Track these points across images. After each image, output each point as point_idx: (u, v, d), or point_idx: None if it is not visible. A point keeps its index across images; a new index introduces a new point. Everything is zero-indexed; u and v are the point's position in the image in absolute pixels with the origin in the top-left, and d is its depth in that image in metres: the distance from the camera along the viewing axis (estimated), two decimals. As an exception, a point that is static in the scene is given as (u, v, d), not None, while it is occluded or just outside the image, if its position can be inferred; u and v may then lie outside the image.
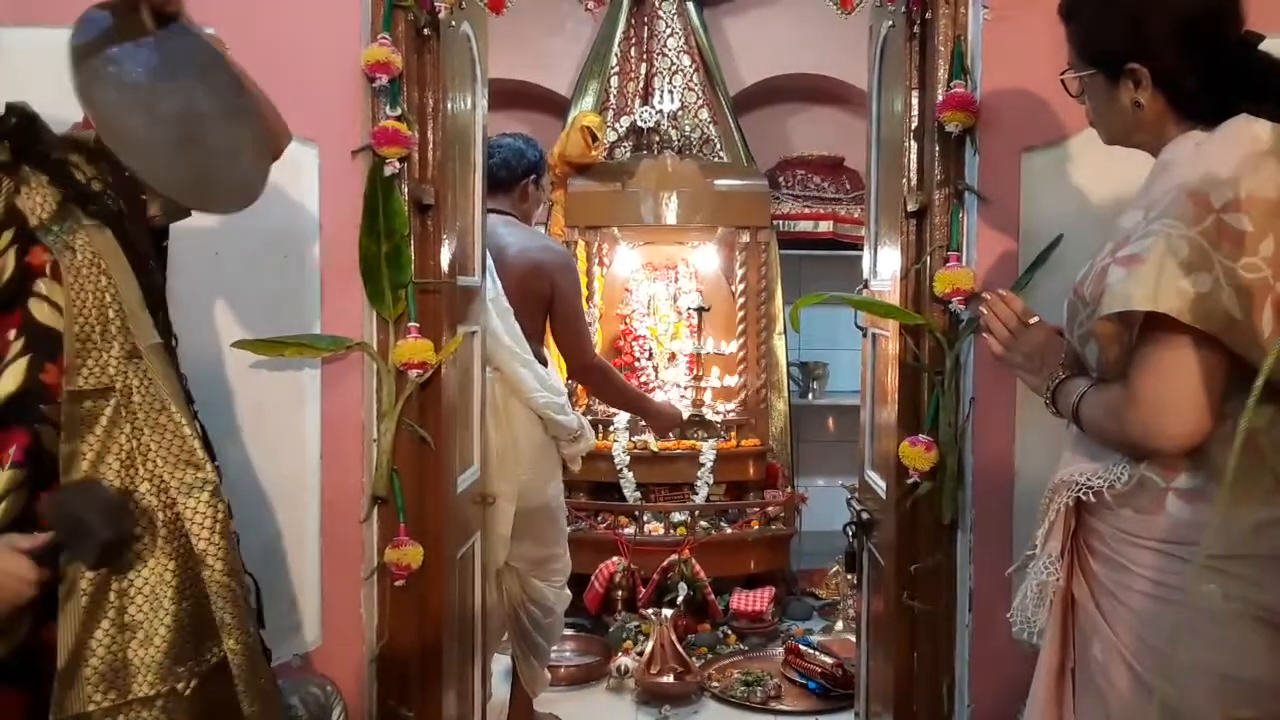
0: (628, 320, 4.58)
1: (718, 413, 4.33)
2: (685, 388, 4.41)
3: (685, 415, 3.50)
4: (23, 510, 1.40)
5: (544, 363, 3.03)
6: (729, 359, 4.47)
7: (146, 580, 1.45)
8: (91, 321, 1.45)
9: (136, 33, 1.32)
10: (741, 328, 4.52)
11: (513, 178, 3.03)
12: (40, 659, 1.41)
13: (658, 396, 4.22)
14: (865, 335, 2.59)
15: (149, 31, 1.33)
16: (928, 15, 2.14)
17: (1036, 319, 1.59)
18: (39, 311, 1.44)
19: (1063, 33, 1.56)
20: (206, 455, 1.52)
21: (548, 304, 3.03)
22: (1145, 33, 1.40)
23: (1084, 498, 1.44)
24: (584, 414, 4.23)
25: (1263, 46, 1.42)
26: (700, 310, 4.36)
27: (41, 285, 1.44)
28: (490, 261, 2.81)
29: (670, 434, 3.59)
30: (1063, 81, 1.55)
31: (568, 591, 3.18)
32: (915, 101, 2.18)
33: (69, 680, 1.39)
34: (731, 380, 4.42)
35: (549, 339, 3.14)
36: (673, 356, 4.50)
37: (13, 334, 1.43)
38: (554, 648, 3.24)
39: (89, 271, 1.45)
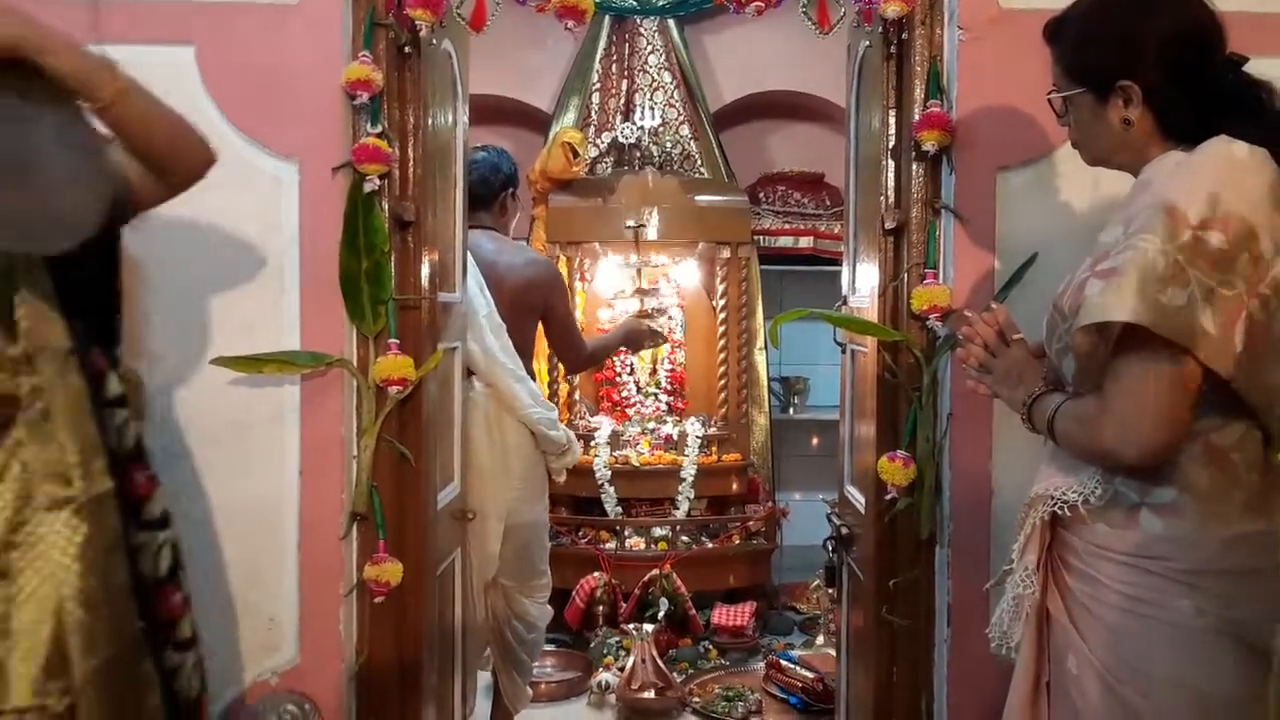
0: (609, 335, 4.60)
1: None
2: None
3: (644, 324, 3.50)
4: None
5: (534, 377, 3.06)
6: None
7: (36, 590, 1.40)
8: None
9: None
10: (722, 343, 4.54)
11: (491, 192, 3.03)
12: None
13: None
14: (844, 351, 2.60)
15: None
16: (904, 36, 2.16)
17: (1019, 336, 1.61)
18: None
19: (1036, 55, 1.58)
20: (82, 473, 1.45)
21: (540, 317, 3.08)
22: (1136, 50, 1.42)
23: (1059, 512, 1.45)
24: (566, 427, 4.28)
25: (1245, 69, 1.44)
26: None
27: None
28: (481, 278, 2.83)
29: (646, 345, 3.53)
30: (1049, 102, 1.56)
31: (550, 607, 3.18)
32: (892, 120, 2.20)
33: None
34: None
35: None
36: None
37: None
38: (535, 663, 3.24)
39: None
